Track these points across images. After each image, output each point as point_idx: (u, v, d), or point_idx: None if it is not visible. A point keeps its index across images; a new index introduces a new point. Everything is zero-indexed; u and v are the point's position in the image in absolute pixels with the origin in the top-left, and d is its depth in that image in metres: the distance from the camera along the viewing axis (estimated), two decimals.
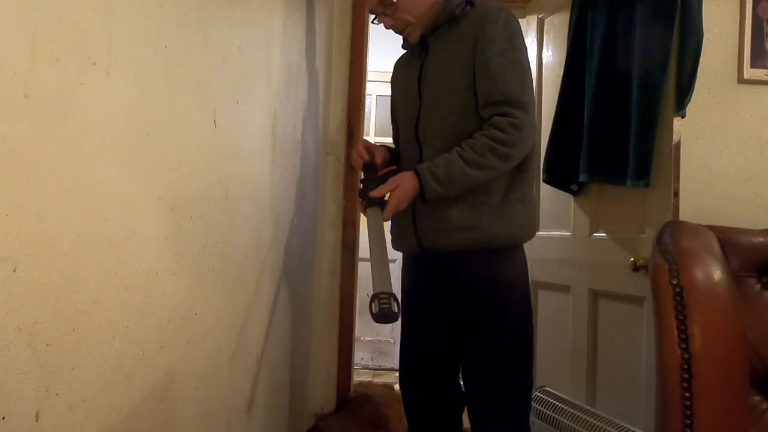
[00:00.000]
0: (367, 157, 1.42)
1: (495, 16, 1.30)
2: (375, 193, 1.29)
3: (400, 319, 1.18)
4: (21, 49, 0.60)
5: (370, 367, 3.72)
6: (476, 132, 1.28)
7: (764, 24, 2.04)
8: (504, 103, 1.25)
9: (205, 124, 1.07)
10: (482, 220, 1.29)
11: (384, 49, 3.57)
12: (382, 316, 1.03)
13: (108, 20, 0.75)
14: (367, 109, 3.25)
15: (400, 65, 1.56)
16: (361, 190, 1.36)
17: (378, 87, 3.70)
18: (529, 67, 1.33)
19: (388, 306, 1.03)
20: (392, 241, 1.49)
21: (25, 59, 0.61)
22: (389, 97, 1.61)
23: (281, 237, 1.63)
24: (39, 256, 0.64)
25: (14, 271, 0.60)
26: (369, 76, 2.65)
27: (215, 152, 1.13)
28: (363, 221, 1.38)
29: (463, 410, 1.46)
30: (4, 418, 0.60)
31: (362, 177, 1.41)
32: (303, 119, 1.83)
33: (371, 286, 1.12)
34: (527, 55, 1.34)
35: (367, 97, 2.72)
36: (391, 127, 1.61)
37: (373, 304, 1.04)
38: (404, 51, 1.55)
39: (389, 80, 1.59)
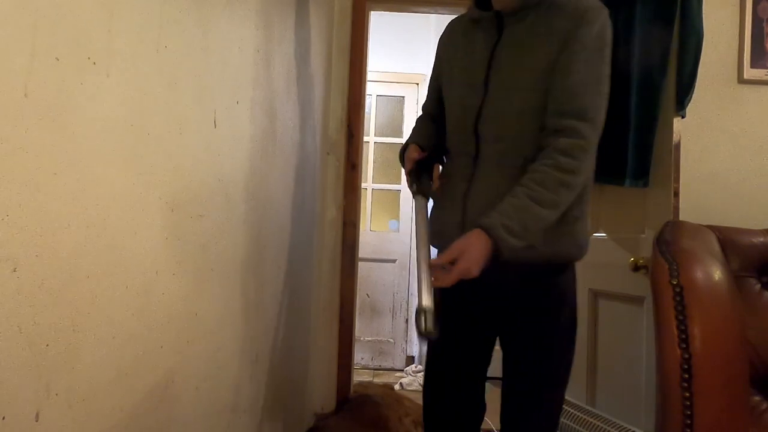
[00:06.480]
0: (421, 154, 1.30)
1: (593, 18, 1.14)
2: (440, 279, 1.07)
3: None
4: (21, 49, 0.60)
5: (370, 367, 3.72)
6: (535, 147, 1.14)
7: (764, 24, 2.05)
8: (575, 117, 1.11)
9: (205, 124, 1.07)
10: None
11: (384, 49, 3.59)
12: (419, 335, 1.05)
13: (108, 20, 0.75)
14: (367, 109, 3.25)
15: (458, 33, 1.33)
16: (413, 175, 1.28)
17: (378, 87, 3.69)
18: None
19: (417, 324, 1.04)
20: (431, 233, 1.24)
21: (25, 59, 0.61)
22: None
23: (281, 237, 1.63)
24: (39, 256, 0.64)
25: (14, 271, 0.60)
26: (369, 76, 2.65)
27: (215, 152, 1.13)
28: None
29: (482, 422, 1.42)
30: (4, 418, 0.60)
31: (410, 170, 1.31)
32: (303, 119, 1.83)
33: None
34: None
35: (367, 97, 2.72)
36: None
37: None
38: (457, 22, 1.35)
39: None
